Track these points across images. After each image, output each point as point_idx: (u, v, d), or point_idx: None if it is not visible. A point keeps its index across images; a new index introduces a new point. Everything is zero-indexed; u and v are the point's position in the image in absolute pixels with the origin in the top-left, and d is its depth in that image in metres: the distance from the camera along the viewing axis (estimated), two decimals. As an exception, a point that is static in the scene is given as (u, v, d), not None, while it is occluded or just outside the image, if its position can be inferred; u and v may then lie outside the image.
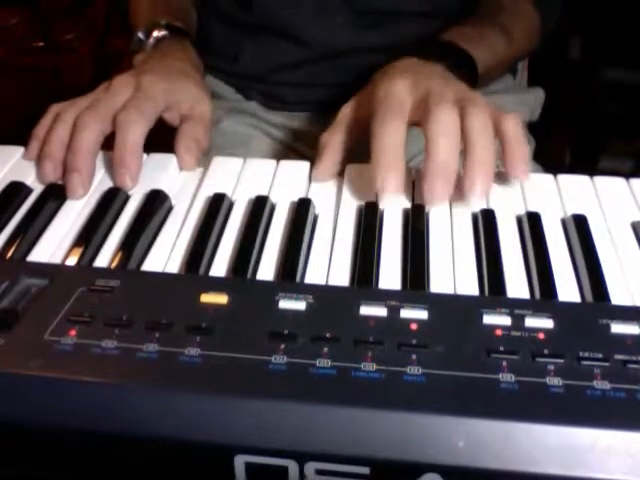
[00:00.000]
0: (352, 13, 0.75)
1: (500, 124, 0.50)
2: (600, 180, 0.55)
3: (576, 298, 0.43)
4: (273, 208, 0.52)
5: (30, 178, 0.56)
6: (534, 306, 0.40)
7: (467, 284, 0.44)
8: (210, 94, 0.66)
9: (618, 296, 0.43)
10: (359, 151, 0.56)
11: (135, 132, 0.54)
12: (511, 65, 0.83)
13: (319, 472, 0.34)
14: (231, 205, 0.52)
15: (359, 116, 0.56)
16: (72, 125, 0.55)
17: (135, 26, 0.72)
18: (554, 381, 0.35)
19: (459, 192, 0.49)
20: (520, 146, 0.50)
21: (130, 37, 0.71)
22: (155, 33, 0.69)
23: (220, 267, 0.46)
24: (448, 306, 0.40)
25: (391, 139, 0.49)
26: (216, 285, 0.42)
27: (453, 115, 0.49)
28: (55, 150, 0.54)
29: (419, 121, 0.50)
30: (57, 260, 0.47)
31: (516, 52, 0.76)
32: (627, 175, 0.55)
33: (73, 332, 0.38)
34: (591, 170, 0.57)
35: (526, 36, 0.77)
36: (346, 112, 0.57)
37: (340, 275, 0.45)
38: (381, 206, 0.50)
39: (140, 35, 0.69)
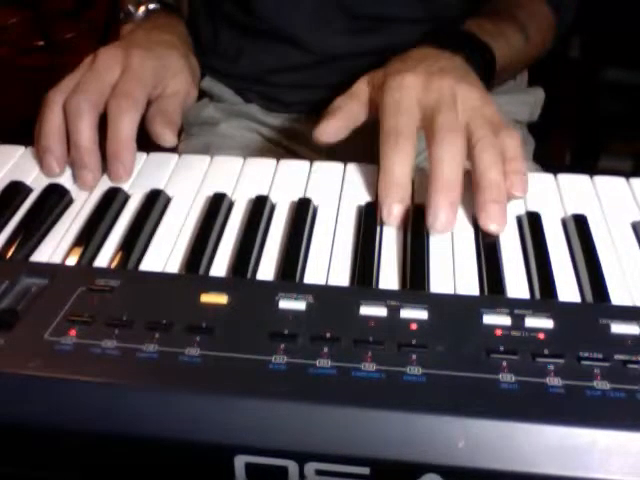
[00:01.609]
0: (349, 18, 0.75)
1: (501, 139, 0.50)
2: (600, 180, 0.55)
3: (576, 298, 0.43)
4: (273, 208, 0.52)
5: (30, 177, 0.56)
6: (534, 306, 0.40)
7: (467, 284, 0.44)
8: (195, 67, 0.66)
9: (618, 296, 0.43)
10: (362, 151, 0.56)
11: (127, 123, 0.54)
12: (526, 64, 0.82)
13: (319, 472, 0.34)
14: (231, 205, 0.52)
15: (370, 98, 0.56)
16: (63, 109, 0.55)
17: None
18: (554, 381, 0.35)
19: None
20: (518, 163, 0.50)
21: (119, 10, 0.71)
22: (144, 6, 0.69)
23: (220, 267, 0.46)
24: (448, 306, 0.40)
25: (400, 173, 0.49)
26: (216, 285, 0.42)
27: (457, 140, 0.49)
28: (53, 142, 0.55)
29: (425, 134, 0.50)
30: (57, 260, 0.47)
31: (532, 50, 0.75)
32: (627, 175, 0.55)
33: (73, 332, 0.38)
34: (591, 170, 0.57)
35: (541, 35, 0.76)
36: (358, 88, 0.56)
37: (340, 275, 0.45)
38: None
39: (130, 7, 0.69)
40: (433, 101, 0.51)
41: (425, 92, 0.52)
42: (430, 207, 0.47)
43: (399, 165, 0.49)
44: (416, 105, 0.51)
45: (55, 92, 0.56)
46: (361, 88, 0.57)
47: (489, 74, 0.62)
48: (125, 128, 0.54)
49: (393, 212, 0.49)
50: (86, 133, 0.54)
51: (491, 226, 0.48)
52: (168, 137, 0.57)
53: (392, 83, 0.53)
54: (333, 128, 0.55)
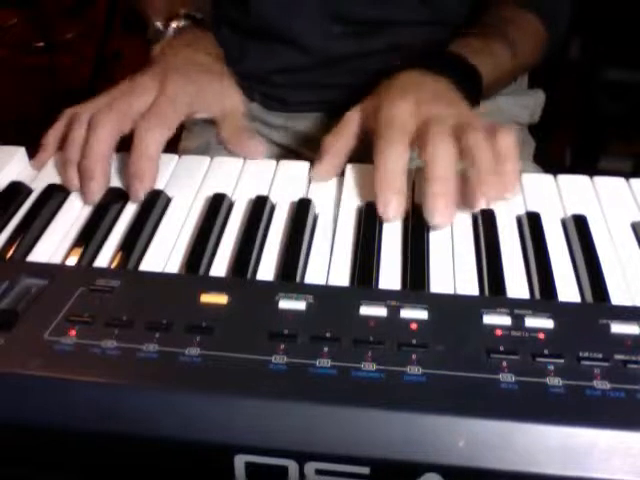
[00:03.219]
0: (351, 23, 0.76)
1: (495, 140, 0.50)
2: (600, 180, 0.55)
3: (576, 298, 0.43)
4: (273, 208, 0.52)
5: (30, 178, 0.56)
6: (534, 306, 0.40)
7: (467, 284, 0.44)
8: (236, 82, 0.65)
9: (618, 296, 0.43)
10: (361, 152, 0.56)
11: (153, 141, 0.53)
12: (514, 78, 0.82)
13: (319, 472, 0.34)
14: (231, 205, 0.53)
15: (363, 126, 0.56)
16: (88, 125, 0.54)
17: (151, 16, 0.70)
18: (554, 381, 0.35)
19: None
20: (510, 163, 0.50)
21: (143, 28, 0.70)
22: (174, 23, 0.67)
23: (220, 267, 0.46)
24: (448, 306, 0.40)
25: (394, 166, 0.50)
26: (216, 285, 0.42)
27: (450, 144, 0.49)
28: (75, 154, 0.54)
29: (418, 145, 0.51)
30: (57, 260, 0.47)
31: (520, 65, 0.76)
32: (627, 175, 0.55)
33: (73, 332, 0.38)
34: (591, 170, 0.57)
35: (530, 50, 0.76)
36: (350, 120, 0.57)
37: (340, 275, 0.45)
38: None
39: (158, 25, 0.68)
40: (424, 117, 0.52)
41: (416, 113, 0.52)
42: (427, 200, 0.48)
43: (394, 159, 0.50)
44: (409, 121, 0.52)
45: (83, 108, 0.55)
46: (348, 121, 0.57)
47: (476, 94, 0.62)
48: (149, 145, 0.53)
49: (390, 205, 0.49)
50: (99, 143, 0.52)
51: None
52: (261, 150, 0.58)
53: (384, 109, 0.53)
54: (326, 171, 0.55)
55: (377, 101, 0.55)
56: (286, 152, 0.84)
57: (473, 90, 0.61)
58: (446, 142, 0.49)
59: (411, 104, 0.53)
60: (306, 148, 0.82)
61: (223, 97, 0.61)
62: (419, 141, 0.51)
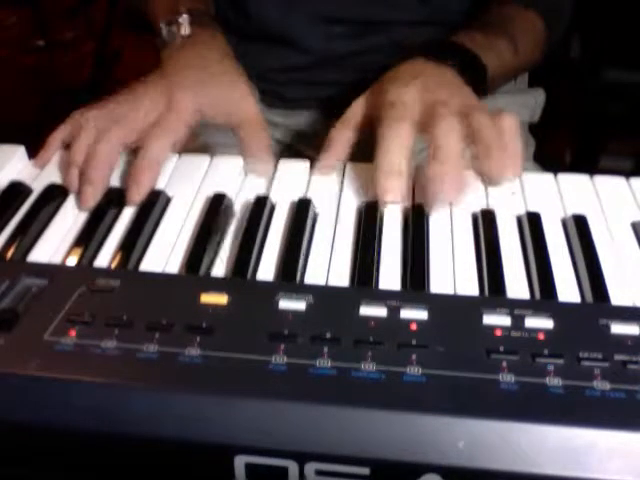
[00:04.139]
0: (349, 24, 0.76)
1: (499, 122, 0.50)
2: (600, 180, 0.55)
3: (576, 298, 0.43)
4: (273, 208, 0.52)
5: (30, 177, 0.56)
6: (534, 306, 0.40)
7: (467, 284, 0.44)
8: (249, 82, 0.64)
9: (618, 296, 0.43)
10: (361, 151, 0.56)
11: (157, 149, 0.53)
12: (515, 76, 0.82)
13: (319, 472, 0.34)
14: (231, 205, 0.52)
15: (367, 115, 0.56)
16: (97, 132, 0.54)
17: (157, 18, 0.70)
18: (554, 381, 0.35)
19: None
20: (513, 145, 0.50)
21: (152, 32, 0.69)
22: (179, 19, 0.66)
23: (220, 267, 0.46)
24: (448, 306, 0.40)
25: (397, 142, 0.50)
26: (216, 285, 0.42)
27: (457, 124, 0.49)
28: (79, 159, 0.54)
29: (425, 128, 0.51)
30: (57, 260, 0.47)
31: (521, 63, 0.76)
32: (627, 174, 0.55)
33: (73, 332, 0.38)
34: (591, 170, 0.57)
35: (531, 48, 0.76)
36: (355, 110, 0.57)
37: (340, 275, 0.45)
38: (380, 206, 0.50)
39: (163, 27, 0.67)
40: (431, 100, 0.52)
41: (423, 97, 0.52)
42: (433, 177, 0.48)
43: (397, 146, 0.49)
44: (416, 103, 0.52)
45: (94, 114, 0.56)
46: (353, 112, 0.57)
47: (480, 85, 0.62)
48: (153, 153, 0.53)
49: (390, 188, 0.49)
50: (103, 153, 0.53)
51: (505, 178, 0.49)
52: (265, 172, 0.56)
53: (391, 92, 0.53)
54: (330, 162, 0.55)
55: (381, 90, 0.55)
56: (285, 149, 0.84)
57: (477, 79, 0.61)
58: (452, 122, 0.49)
59: (416, 91, 0.53)
60: (305, 145, 0.82)
61: (235, 105, 0.60)
62: (425, 125, 0.51)
